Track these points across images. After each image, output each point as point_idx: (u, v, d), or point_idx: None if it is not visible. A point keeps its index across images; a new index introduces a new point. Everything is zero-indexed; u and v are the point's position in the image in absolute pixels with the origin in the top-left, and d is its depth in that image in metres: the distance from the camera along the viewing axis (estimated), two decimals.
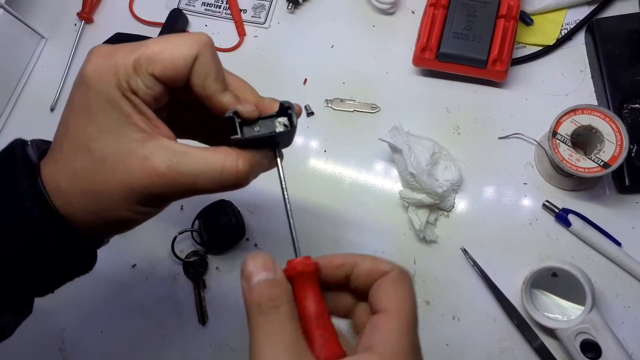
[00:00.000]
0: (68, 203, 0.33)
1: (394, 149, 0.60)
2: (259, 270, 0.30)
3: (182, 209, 0.64)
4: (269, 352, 0.28)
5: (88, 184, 0.32)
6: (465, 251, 0.59)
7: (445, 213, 0.61)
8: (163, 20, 0.71)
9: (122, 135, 0.32)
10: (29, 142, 0.35)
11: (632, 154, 0.58)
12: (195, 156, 0.33)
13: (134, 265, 0.64)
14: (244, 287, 0.30)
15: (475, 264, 0.58)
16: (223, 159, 0.33)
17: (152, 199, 0.33)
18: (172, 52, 0.32)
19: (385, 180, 0.64)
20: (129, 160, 0.32)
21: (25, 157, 0.34)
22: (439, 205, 0.60)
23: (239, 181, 0.34)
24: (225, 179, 0.33)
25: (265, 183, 0.65)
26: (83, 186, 0.33)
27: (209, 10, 0.74)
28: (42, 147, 0.36)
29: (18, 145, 0.35)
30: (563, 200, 0.60)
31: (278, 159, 0.37)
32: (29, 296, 0.36)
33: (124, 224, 0.35)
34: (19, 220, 0.32)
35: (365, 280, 0.32)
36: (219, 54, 0.35)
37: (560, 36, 0.66)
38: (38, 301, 0.37)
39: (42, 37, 0.76)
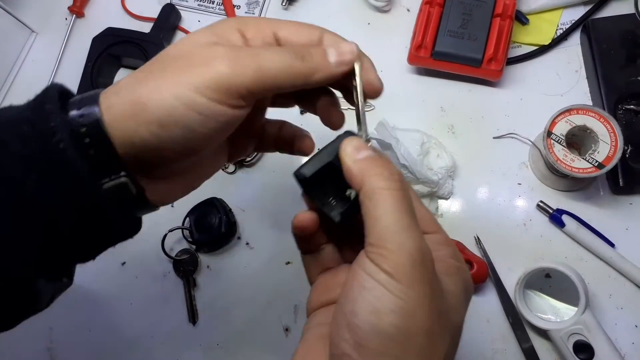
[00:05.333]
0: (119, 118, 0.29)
1: (383, 145, 0.59)
2: (359, 148, 0.31)
3: (172, 206, 0.63)
4: (398, 215, 0.28)
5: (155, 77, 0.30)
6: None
7: (440, 213, 0.61)
8: (155, 16, 0.70)
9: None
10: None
11: (627, 155, 0.58)
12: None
13: (124, 263, 0.63)
14: (349, 163, 0.31)
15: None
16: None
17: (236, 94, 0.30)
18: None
19: None
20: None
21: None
22: (437, 194, 0.60)
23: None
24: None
25: (257, 183, 0.65)
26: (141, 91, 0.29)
27: (202, 5, 0.73)
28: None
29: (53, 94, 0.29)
30: (557, 200, 0.60)
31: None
32: (67, 260, 0.31)
33: (193, 136, 0.30)
34: (60, 166, 0.27)
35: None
36: None
37: (556, 36, 0.66)
38: None
39: (33, 31, 0.75)
